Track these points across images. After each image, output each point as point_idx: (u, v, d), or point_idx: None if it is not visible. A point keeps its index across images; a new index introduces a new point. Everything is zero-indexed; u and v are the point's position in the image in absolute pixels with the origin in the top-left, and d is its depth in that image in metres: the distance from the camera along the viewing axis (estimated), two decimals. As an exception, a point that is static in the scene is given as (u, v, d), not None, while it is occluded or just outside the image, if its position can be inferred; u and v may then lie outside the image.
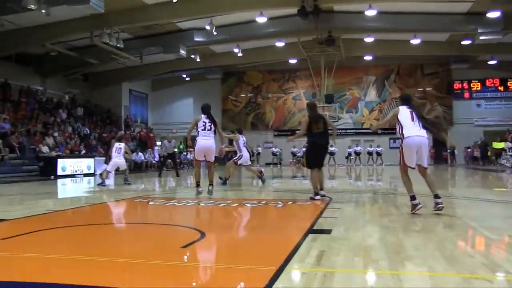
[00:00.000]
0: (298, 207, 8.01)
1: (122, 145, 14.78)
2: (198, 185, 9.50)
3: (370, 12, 22.28)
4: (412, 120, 6.87)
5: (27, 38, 23.07)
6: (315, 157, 8.66)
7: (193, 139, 9.82)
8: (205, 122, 9.43)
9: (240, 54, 29.10)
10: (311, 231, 5.36)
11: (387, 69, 36.27)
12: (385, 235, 5.14)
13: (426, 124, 7.35)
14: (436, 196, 6.66)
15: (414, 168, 6.87)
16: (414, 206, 6.66)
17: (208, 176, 9.87)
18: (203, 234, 5.13)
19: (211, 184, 9.52)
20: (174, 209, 7.95)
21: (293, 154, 34.66)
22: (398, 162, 7.06)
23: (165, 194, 10.84)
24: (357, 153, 34.14)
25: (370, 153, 34.36)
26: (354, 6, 23.02)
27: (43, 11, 17.90)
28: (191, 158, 31.59)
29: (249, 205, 8.23)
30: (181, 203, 8.51)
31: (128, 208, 8.25)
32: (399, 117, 6.94)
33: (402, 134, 6.86)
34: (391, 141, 34.96)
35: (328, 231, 5.26)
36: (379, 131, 31.64)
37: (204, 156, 9.43)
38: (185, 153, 31.83)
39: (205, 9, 21.47)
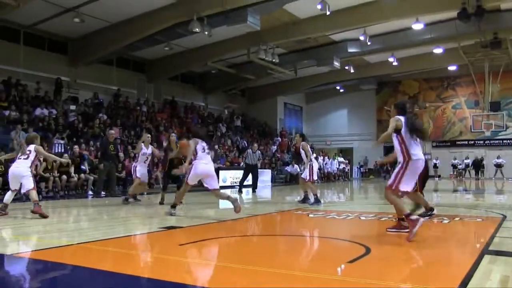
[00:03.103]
0: (466, 224, 7.49)
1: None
2: (175, 206, 8.55)
3: (551, 4, 19.95)
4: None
5: (192, 58, 25.11)
6: None
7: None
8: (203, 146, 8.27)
9: (395, 63, 28.27)
10: (487, 251, 4.93)
11: None
12: None
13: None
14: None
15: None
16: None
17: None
18: (368, 249, 5.01)
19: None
20: (335, 222, 7.91)
21: (454, 166, 32.63)
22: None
23: (324, 207, 10.84)
24: (530, 165, 30.93)
25: (546, 165, 30.94)
26: (528, 2, 20.68)
27: (206, 32, 19.25)
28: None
29: (412, 220, 7.86)
30: (341, 216, 8.44)
31: (290, 220, 8.40)
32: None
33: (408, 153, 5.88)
34: None
35: (509, 253, 4.79)
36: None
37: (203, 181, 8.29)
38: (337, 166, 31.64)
39: (358, 20, 21.23)
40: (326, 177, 29.15)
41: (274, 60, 24.34)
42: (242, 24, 19.01)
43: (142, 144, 11.49)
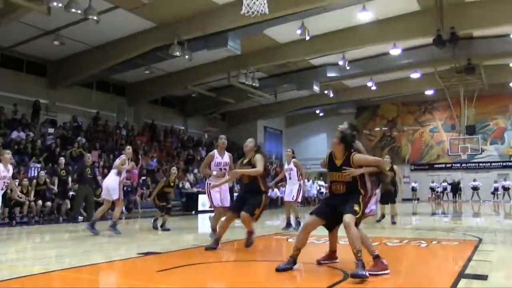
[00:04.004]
0: (444, 247, 7.54)
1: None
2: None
3: (518, 34, 20.56)
4: None
5: (172, 82, 25.19)
6: None
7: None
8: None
9: (374, 88, 28.65)
10: (463, 275, 4.97)
11: (540, 94, 32.96)
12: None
13: None
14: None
15: None
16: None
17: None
18: (346, 275, 5.00)
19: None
20: (314, 246, 7.88)
21: (432, 189, 33.04)
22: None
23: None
24: (506, 188, 31.20)
25: (520, 188, 31.41)
26: (497, 30, 21.11)
27: (186, 56, 19.31)
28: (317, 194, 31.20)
29: (390, 244, 7.89)
30: (320, 241, 8.42)
31: (269, 245, 8.35)
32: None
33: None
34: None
35: (483, 277, 4.83)
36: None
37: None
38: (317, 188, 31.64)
39: (338, 45, 21.51)
40: (306, 201, 29.10)
41: (254, 84, 24.47)
42: (222, 48, 19.16)
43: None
